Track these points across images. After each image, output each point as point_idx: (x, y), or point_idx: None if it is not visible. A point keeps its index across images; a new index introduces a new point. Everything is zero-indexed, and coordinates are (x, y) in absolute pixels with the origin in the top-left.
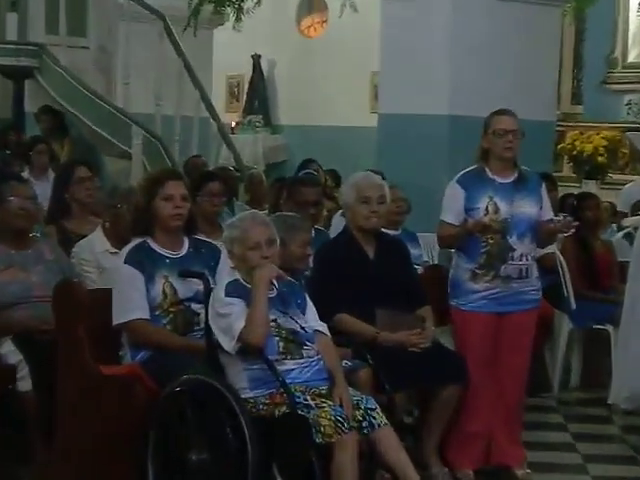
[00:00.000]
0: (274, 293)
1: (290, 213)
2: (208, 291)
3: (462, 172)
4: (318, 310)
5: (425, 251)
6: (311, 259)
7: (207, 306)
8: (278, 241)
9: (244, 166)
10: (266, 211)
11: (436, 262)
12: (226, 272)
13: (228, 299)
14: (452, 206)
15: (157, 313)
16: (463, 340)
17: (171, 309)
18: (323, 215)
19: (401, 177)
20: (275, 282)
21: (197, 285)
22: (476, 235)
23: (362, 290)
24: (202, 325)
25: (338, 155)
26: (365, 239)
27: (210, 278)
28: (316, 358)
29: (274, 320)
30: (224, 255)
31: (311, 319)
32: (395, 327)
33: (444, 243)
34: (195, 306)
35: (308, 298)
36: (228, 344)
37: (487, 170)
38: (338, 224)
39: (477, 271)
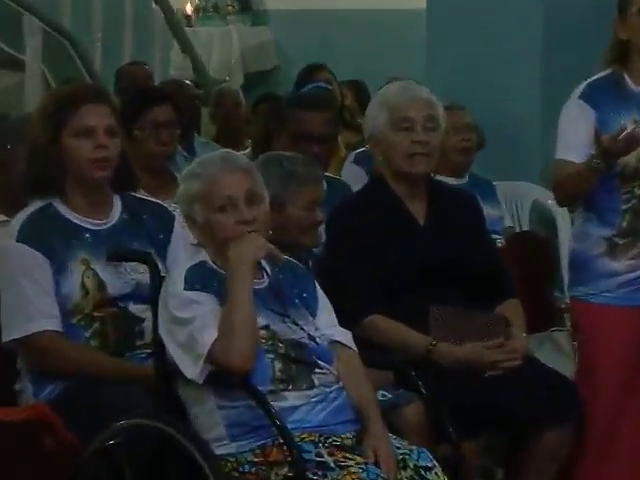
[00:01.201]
0: (264, 283)
1: (288, 153)
2: (157, 283)
3: (587, 82)
4: (337, 309)
5: (508, 210)
6: (323, 229)
7: (156, 308)
8: (267, 198)
9: (209, 79)
10: (247, 151)
11: (525, 228)
12: (184, 251)
13: (189, 294)
14: (574, 136)
15: (74, 321)
16: (593, 351)
17: (97, 313)
18: (341, 155)
19: (467, 93)
20: (265, 265)
21: (138, 273)
22: (615, 183)
23: (407, 276)
24: (148, 338)
25: (362, 58)
26: (409, 192)
27: (159, 261)
28: (335, 388)
29: (266, 327)
30: (180, 223)
31: (326, 323)
32: (461, 335)
33: (564, 194)
34: (136, 307)
35: (320, 291)
36: (191, 368)
37: (626, 77)
38: (349, 174)
39: (617, 240)
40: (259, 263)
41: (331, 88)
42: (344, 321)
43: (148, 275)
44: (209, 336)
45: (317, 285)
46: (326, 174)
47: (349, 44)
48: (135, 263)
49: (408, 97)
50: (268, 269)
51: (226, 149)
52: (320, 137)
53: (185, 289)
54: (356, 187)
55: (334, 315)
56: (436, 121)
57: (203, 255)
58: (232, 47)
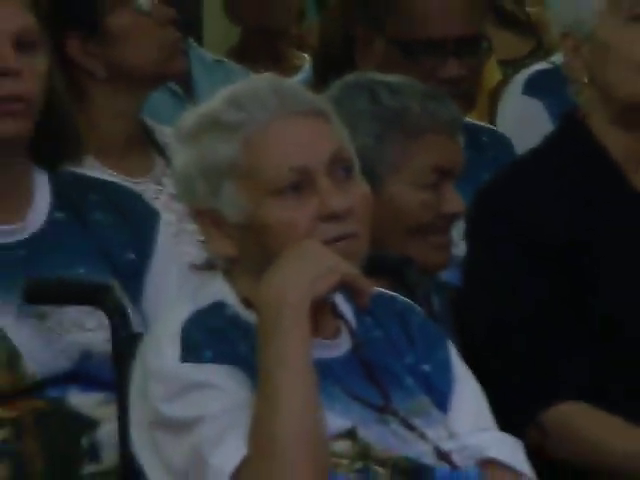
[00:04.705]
0: (343, 346)
1: (391, 76)
2: (125, 348)
3: None
4: (494, 394)
5: None
6: (458, 233)
7: (125, 400)
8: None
9: None
10: (299, 77)
11: None
12: (179, 282)
13: (192, 371)
14: None
15: None
16: None
17: (4, 413)
18: (494, 80)
19: None
20: (345, 309)
21: (85, 331)
22: None
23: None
24: (108, 459)
25: None
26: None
27: (129, 304)
28: None
29: (349, 433)
30: (169, 229)
31: (471, 424)
32: None
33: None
34: (82, 400)
35: (458, 360)
36: None
37: None
38: (514, 116)
39: None
40: (331, 304)
41: None
42: (508, 417)
43: (106, 334)
44: (231, 456)
45: (452, 348)
46: (467, 120)
47: None
48: (80, 309)
49: None
50: (350, 317)
51: (266, 73)
52: (456, 44)
53: (184, 360)
54: (527, 144)
55: (487, 407)
56: None
57: (220, 288)
58: None
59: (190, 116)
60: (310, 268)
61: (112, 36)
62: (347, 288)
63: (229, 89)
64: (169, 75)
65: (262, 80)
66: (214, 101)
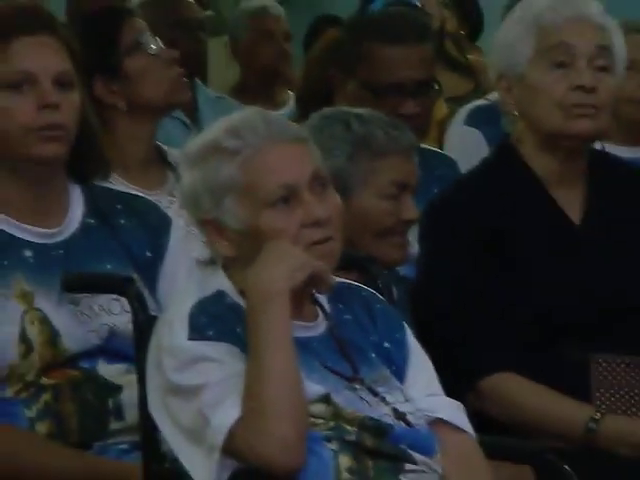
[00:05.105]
0: (320, 327)
1: (359, 109)
2: (143, 328)
3: None
4: (441, 366)
5: None
6: (413, 236)
7: (143, 369)
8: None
9: None
10: (282, 111)
11: None
12: (187, 275)
13: (197, 347)
14: None
15: (9, 393)
16: None
17: (47, 380)
18: (441, 113)
19: None
20: (323, 298)
21: (112, 314)
22: None
23: (550, 310)
24: (130, 418)
25: None
26: (558, 170)
27: (146, 292)
28: None
29: (324, 398)
30: (179, 230)
31: (423, 391)
32: None
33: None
34: (110, 369)
35: (413, 338)
36: (202, 466)
37: None
38: (458, 142)
39: None
40: (311, 295)
41: (418, 6)
42: (452, 385)
43: (128, 317)
44: (228, 415)
45: (408, 329)
46: (421, 146)
47: None
48: (107, 297)
49: (569, 15)
50: (326, 304)
51: (256, 107)
52: (413, 87)
53: (190, 338)
54: (469, 164)
55: (435, 377)
56: (610, 56)
57: (220, 280)
58: None
59: (195, 142)
60: (288, 263)
61: (129, 76)
62: (315, 279)
63: (227, 119)
64: (175, 105)
65: (254, 113)
66: (215, 129)
